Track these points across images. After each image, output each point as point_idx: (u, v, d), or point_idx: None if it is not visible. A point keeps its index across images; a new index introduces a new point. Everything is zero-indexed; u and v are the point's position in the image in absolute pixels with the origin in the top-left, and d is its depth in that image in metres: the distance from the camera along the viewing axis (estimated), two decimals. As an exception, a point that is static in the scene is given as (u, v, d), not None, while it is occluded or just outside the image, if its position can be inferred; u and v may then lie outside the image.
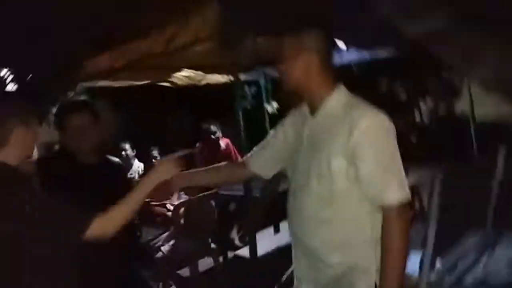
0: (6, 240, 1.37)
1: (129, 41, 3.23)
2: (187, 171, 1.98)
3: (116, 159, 2.26)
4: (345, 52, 4.28)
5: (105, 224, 1.45)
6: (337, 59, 4.67)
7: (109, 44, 3.40)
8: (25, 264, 1.40)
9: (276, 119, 5.49)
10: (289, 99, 2.18)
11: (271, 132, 1.79)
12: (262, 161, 1.75)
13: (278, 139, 1.71)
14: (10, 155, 1.45)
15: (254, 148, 1.81)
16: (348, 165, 1.41)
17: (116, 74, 4.21)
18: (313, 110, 1.55)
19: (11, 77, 3.70)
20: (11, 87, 3.88)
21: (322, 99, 1.51)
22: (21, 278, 1.41)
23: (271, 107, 5.54)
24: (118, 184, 2.10)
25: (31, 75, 3.58)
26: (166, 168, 1.64)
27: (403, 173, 1.42)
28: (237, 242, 4.49)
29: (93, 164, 2.08)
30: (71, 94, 4.20)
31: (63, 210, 1.42)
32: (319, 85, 1.51)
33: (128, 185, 2.13)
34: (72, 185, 1.87)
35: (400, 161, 1.42)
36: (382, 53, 4.62)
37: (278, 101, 5.59)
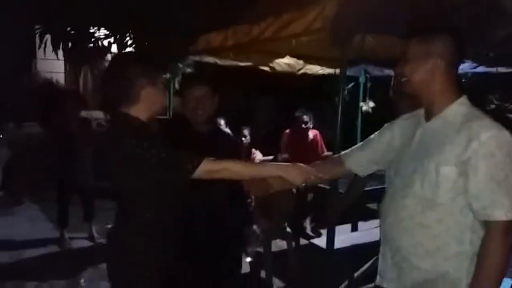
0: (126, 180, 1.60)
1: (244, 23, 3.39)
2: None
3: (228, 130, 2.41)
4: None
5: (214, 168, 1.59)
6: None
7: (225, 23, 3.60)
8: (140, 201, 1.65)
9: (369, 117, 5.45)
10: (396, 101, 2.19)
11: (376, 132, 1.79)
12: (361, 160, 1.77)
13: (382, 141, 1.72)
14: (141, 111, 1.65)
15: (357, 145, 1.83)
16: (459, 175, 1.39)
17: (223, 53, 4.46)
18: (429, 116, 1.53)
19: (130, 41, 4.08)
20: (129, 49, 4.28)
21: (442, 106, 1.49)
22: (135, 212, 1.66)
23: (367, 105, 5.47)
24: (228, 153, 2.24)
25: (148, 41, 3.91)
26: (299, 172, 1.69)
27: None
28: (308, 231, 4.57)
29: (206, 132, 2.26)
30: (180, 64, 4.53)
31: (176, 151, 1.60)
32: (441, 92, 1.49)
33: (234, 154, 2.28)
34: (185, 148, 2.06)
35: None
36: (501, 68, 4.36)
37: (374, 101, 5.50)
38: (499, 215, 1.34)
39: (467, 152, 1.37)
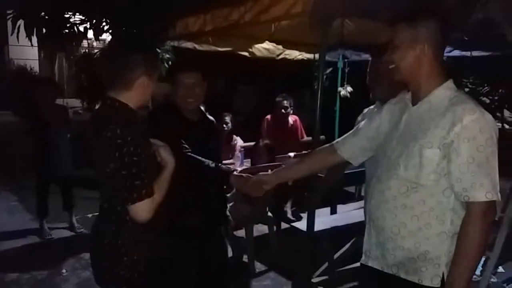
0: (106, 168, 1.51)
1: (223, 7, 3.36)
2: (281, 168, 2.19)
3: (211, 117, 2.41)
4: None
5: (152, 207, 1.55)
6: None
7: (203, 7, 3.56)
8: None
9: (347, 102, 5.51)
10: (372, 86, 2.21)
11: (365, 120, 1.81)
12: (354, 148, 1.78)
13: (372, 127, 1.73)
14: (131, 99, 1.62)
15: (348, 133, 1.83)
16: (442, 157, 1.43)
17: (202, 38, 4.42)
18: (416, 100, 1.56)
19: (107, 26, 3.98)
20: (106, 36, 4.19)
21: (428, 90, 1.52)
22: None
23: (345, 90, 5.52)
24: (214, 139, 2.32)
25: (125, 26, 3.83)
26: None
27: (497, 175, 1.41)
28: (289, 215, 4.63)
29: (195, 120, 2.25)
30: (158, 50, 4.46)
31: (138, 170, 1.49)
32: (428, 76, 1.52)
33: (219, 141, 2.31)
34: (177, 137, 2.06)
35: (497, 163, 1.42)
36: (475, 52, 4.45)
37: (352, 85, 5.55)
38: (479, 196, 1.38)
39: (450, 135, 1.40)
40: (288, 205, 4.69)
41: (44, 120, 4.10)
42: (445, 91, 1.50)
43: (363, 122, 1.80)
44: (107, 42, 3.21)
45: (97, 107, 1.72)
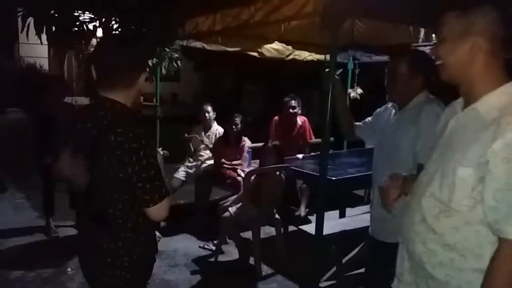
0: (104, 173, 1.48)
1: (233, 7, 3.33)
2: None
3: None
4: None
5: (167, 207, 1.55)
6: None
7: (214, 7, 3.54)
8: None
9: (358, 104, 5.45)
10: (390, 88, 2.17)
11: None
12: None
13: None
14: (128, 99, 1.55)
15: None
16: (478, 179, 1.18)
17: (211, 38, 4.40)
18: (466, 105, 1.31)
19: (116, 25, 3.98)
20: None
21: (480, 94, 1.25)
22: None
23: (355, 92, 5.47)
24: None
25: (134, 25, 3.82)
26: None
27: None
28: (302, 214, 4.60)
29: None
30: (167, 49, 4.45)
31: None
32: (481, 76, 1.26)
33: None
34: None
35: None
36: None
37: (362, 87, 5.50)
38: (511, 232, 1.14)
39: (489, 152, 1.15)
40: (302, 207, 4.64)
41: (52, 118, 4.10)
42: (498, 97, 1.22)
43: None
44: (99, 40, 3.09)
45: (89, 108, 1.62)
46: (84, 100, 9.27)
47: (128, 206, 1.53)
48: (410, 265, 1.42)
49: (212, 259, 3.77)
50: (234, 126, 4.56)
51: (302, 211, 4.63)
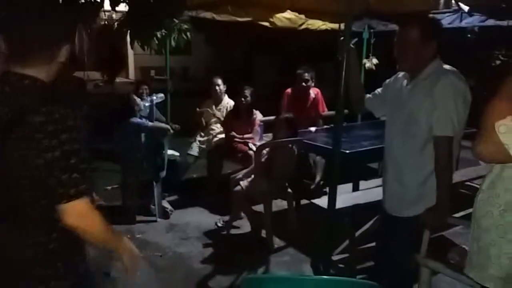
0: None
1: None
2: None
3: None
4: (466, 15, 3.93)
5: (88, 210, 1.28)
6: (456, 21, 4.31)
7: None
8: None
9: (373, 74, 5.31)
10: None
11: None
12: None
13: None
14: (49, 75, 1.33)
15: None
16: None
17: (221, 7, 4.28)
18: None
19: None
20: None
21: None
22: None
23: (370, 62, 5.31)
24: None
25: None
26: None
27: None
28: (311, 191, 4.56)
29: None
30: (176, 20, 4.36)
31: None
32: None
33: None
34: None
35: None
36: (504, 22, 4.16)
37: (378, 57, 5.34)
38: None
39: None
40: (317, 178, 4.59)
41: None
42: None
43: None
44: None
45: None
46: (96, 75, 9.25)
47: (45, 203, 1.27)
48: (478, 246, 1.49)
49: (224, 232, 3.78)
50: (243, 99, 4.48)
51: (318, 183, 4.57)
